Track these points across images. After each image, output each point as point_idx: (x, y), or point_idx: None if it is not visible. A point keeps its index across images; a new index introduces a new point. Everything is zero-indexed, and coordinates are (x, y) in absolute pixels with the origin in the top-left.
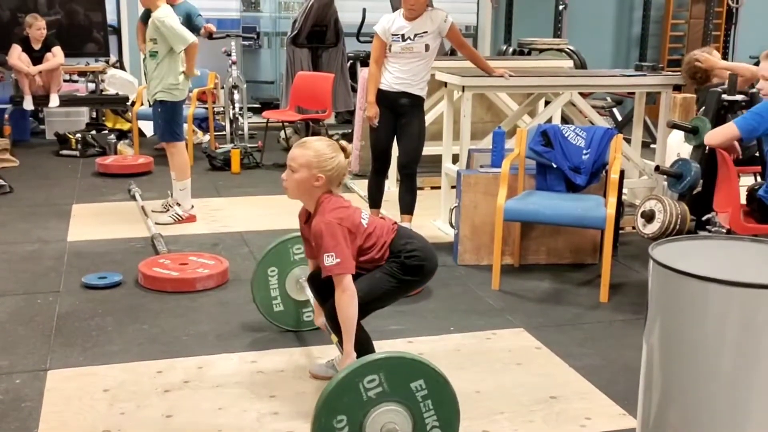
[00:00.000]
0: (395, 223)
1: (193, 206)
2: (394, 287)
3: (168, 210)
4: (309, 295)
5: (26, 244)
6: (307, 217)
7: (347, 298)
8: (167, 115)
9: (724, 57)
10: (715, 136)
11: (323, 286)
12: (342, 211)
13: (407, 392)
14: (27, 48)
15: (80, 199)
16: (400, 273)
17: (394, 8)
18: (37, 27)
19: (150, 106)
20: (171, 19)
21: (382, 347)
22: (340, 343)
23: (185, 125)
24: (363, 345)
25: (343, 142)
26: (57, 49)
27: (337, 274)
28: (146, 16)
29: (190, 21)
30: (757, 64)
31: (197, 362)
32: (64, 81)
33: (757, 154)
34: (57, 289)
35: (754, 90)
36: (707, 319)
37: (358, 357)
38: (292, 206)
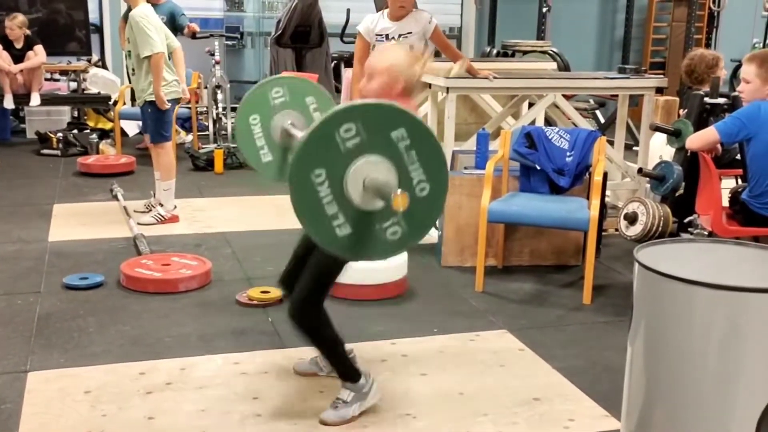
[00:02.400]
0: None
1: (176, 207)
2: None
3: (150, 210)
4: (296, 134)
5: (6, 245)
6: None
7: None
8: (155, 116)
9: None
10: (695, 141)
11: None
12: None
13: (388, 142)
14: (7, 46)
15: (61, 199)
16: None
17: (378, 9)
18: (17, 25)
19: (132, 106)
20: (146, 20)
21: (365, 349)
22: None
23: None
24: (334, 346)
25: (418, 52)
26: (39, 48)
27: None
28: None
29: (173, 20)
30: (739, 66)
31: (180, 364)
32: (46, 80)
33: (738, 156)
34: (38, 289)
35: (735, 93)
36: (692, 322)
37: (332, 365)
38: (276, 207)
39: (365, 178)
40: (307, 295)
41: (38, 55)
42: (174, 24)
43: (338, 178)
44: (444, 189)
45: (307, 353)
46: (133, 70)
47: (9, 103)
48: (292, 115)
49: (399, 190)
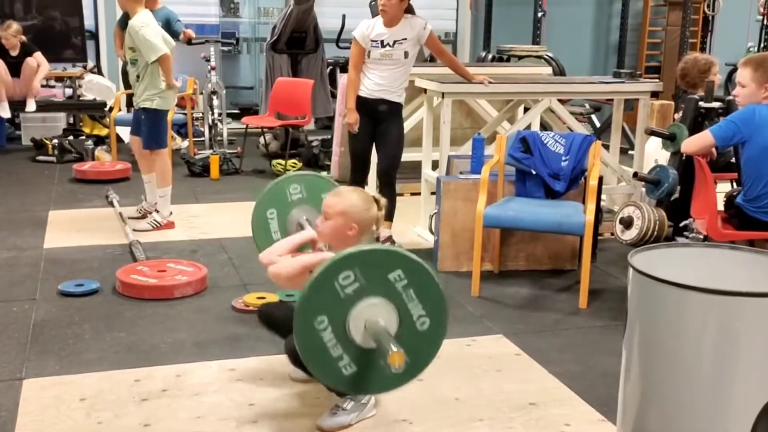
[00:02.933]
0: None
1: (171, 213)
2: None
3: (144, 216)
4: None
5: (2, 251)
6: None
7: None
8: (151, 122)
9: None
10: (690, 145)
11: (277, 323)
12: None
13: (386, 284)
14: (2, 54)
15: (57, 206)
16: None
17: (374, 15)
18: (11, 34)
19: (128, 111)
20: (147, 29)
21: None
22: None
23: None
24: None
25: (377, 195)
26: (39, 55)
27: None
28: (124, 21)
29: (169, 26)
30: (734, 70)
31: (175, 370)
32: (41, 86)
33: (732, 160)
34: (33, 296)
35: (730, 97)
36: (686, 327)
37: None
38: None
39: (366, 321)
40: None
41: (42, 65)
42: (170, 30)
43: (340, 322)
44: (444, 321)
45: None
46: (138, 76)
47: (5, 112)
48: (307, 210)
49: (395, 348)
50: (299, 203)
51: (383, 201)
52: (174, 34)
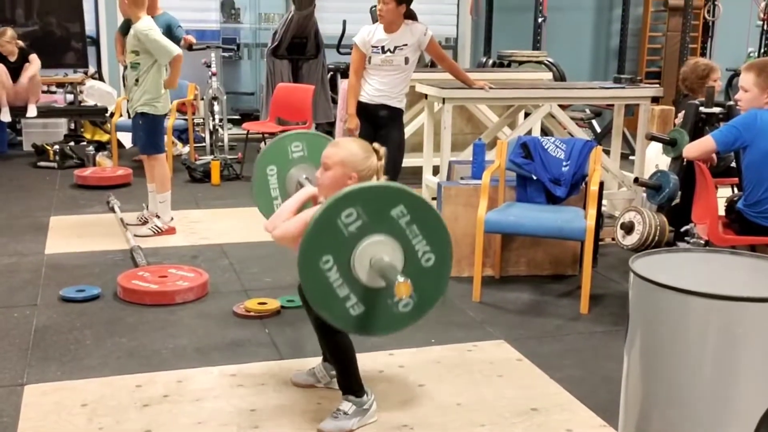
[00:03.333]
0: None
1: (172, 218)
2: None
3: (144, 223)
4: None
5: (3, 257)
6: None
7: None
8: (148, 127)
9: None
10: (692, 150)
11: None
12: None
13: (389, 221)
14: (2, 61)
15: (58, 212)
16: None
17: (375, 21)
18: (6, 40)
19: (129, 117)
20: (155, 32)
21: (363, 360)
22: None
23: (165, 137)
24: (349, 357)
25: (376, 145)
26: (33, 57)
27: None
28: (125, 26)
29: (170, 32)
30: (734, 75)
31: (177, 376)
32: (42, 92)
33: (733, 164)
34: (34, 302)
35: (731, 102)
36: (688, 332)
37: (341, 376)
38: None
39: (371, 259)
40: None
41: (33, 63)
42: (171, 36)
43: (345, 261)
44: (449, 256)
45: (305, 364)
46: (137, 80)
47: (6, 116)
48: (308, 169)
49: (401, 278)
50: (300, 161)
51: (383, 150)
52: (175, 40)
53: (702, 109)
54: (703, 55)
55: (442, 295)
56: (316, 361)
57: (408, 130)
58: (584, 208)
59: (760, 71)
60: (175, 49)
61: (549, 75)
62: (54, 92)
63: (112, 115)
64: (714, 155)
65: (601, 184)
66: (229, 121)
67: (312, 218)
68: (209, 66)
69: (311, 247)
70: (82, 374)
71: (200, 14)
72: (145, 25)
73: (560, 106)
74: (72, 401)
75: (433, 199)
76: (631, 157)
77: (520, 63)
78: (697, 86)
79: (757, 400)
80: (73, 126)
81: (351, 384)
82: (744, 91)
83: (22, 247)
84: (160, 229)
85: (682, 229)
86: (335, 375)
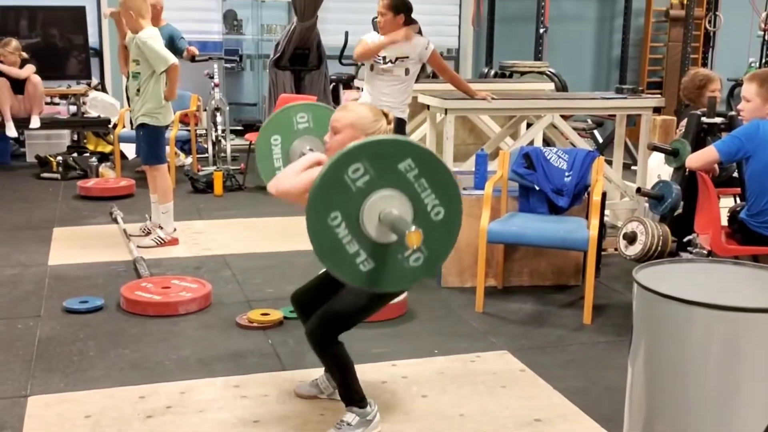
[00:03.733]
0: None
1: (175, 229)
2: (367, 303)
3: (147, 234)
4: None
5: (6, 269)
6: None
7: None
8: (150, 138)
9: None
10: (695, 160)
11: (307, 305)
12: None
13: (397, 175)
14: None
15: (61, 223)
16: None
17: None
18: (9, 51)
19: (132, 128)
20: (154, 40)
21: (365, 371)
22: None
23: (167, 148)
24: (346, 368)
25: (385, 109)
26: (29, 66)
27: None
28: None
29: (172, 43)
30: (735, 85)
31: (180, 387)
32: (46, 104)
33: (735, 174)
34: (38, 313)
35: (732, 113)
36: (691, 342)
37: (341, 387)
38: (275, 229)
39: (380, 213)
40: (330, 324)
41: (24, 70)
42: (173, 47)
43: (354, 217)
44: (458, 209)
45: (308, 375)
46: (138, 90)
47: (11, 131)
48: (312, 141)
49: (412, 228)
50: (304, 132)
51: (392, 115)
52: (177, 51)
53: (704, 119)
54: (704, 65)
55: (452, 249)
56: (319, 371)
57: None
58: (587, 218)
59: (762, 82)
60: (171, 59)
61: (551, 85)
62: (57, 104)
63: (115, 126)
64: (716, 166)
65: (604, 195)
66: (232, 131)
67: (319, 175)
68: (212, 77)
69: (319, 203)
70: (85, 386)
71: (203, 25)
72: (147, 34)
73: (562, 116)
74: (75, 413)
75: None
76: (633, 167)
77: (522, 74)
78: (694, 96)
79: (761, 411)
80: (76, 137)
81: (351, 395)
82: (746, 101)
83: (26, 258)
84: (162, 240)
85: (685, 240)
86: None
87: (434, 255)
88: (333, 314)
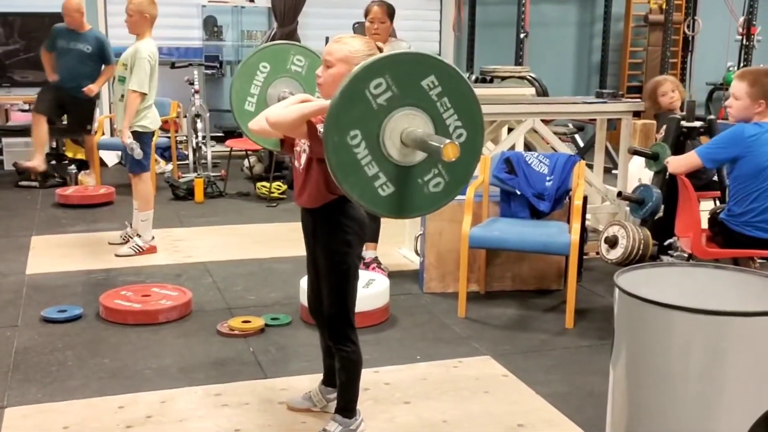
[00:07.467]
0: None
1: (153, 237)
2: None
3: (127, 241)
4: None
5: None
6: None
7: None
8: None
9: (681, 83)
10: (679, 165)
11: (318, 312)
12: None
13: (420, 92)
14: None
15: (39, 231)
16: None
17: None
18: None
19: (112, 135)
20: (150, 61)
21: None
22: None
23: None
24: (354, 374)
25: (380, 43)
26: None
27: None
28: (51, 43)
29: (102, 51)
30: (714, 89)
31: (160, 396)
32: (23, 111)
33: (715, 178)
34: (15, 323)
35: (712, 117)
36: (672, 346)
37: (341, 390)
38: (256, 236)
39: (402, 133)
40: (335, 313)
41: None
42: (104, 55)
43: (374, 136)
44: (481, 131)
45: (289, 383)
46: (122, 95)
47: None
48: (293, 85)
49: (447, 140)
50: (294, 76)
51: (386, 48)
52: (107, 60)
53: (683, 123)
54: (683, 69)
55: (472, 175)
56: (300, 379)
57: None
58: (568, 222)
59: (753, 81)
60: (144, 88)
61: (532, 90)
62: None
63: (94, 133)
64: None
65: (585, 199)
66: (213, 138)
67: (338, 89)
68: (192, 83)
69: (338, 120)
70: (63, 396)
71: (183, 32)
72: (148, 48)
73: (543, 121)
74: (53, 424)
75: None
76: (614, 171)
77: (503, 78)
78: (651, 102)
79: (742, 415)
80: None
81: (347, 403)
82: (735, 99)
83: (3, 267)
84: (141, 248)
85: (666, 243)
86: (332, 399)
87: (455, 179)
88: (332, 314)
